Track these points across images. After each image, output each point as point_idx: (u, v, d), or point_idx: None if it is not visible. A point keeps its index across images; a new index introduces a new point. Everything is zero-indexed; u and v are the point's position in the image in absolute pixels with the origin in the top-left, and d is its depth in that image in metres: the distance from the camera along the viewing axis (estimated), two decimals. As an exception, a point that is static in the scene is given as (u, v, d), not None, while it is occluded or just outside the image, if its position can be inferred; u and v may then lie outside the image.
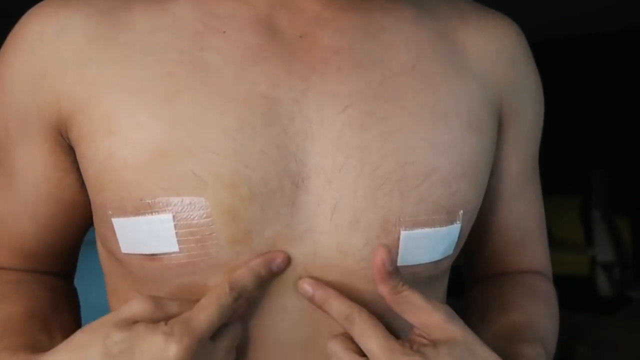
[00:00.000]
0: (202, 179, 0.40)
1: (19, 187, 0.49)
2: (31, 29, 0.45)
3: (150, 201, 0.41)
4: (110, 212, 0.43)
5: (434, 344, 0.40)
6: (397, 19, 0.48)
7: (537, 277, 0.60)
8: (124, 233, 0.42)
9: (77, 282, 0.59)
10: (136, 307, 0.39)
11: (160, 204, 0.41)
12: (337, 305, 0.42)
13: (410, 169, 0.43)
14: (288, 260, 0.42)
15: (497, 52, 0.51)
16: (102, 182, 0.43)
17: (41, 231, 0.51)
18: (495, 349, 0.43)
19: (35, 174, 0.48)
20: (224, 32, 0.44)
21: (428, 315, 0.41)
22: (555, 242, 3.95)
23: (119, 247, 0.43)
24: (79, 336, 0.39)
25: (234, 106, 0.42)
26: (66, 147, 0.47)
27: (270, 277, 0.42)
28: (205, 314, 0.38)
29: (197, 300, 0.40)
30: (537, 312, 0.55)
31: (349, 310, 0.42)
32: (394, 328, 0.45)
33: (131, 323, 0.38)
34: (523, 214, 0.58)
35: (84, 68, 0.44)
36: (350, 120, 0.43)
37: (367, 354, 0.41)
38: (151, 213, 0.41)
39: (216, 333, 0.40)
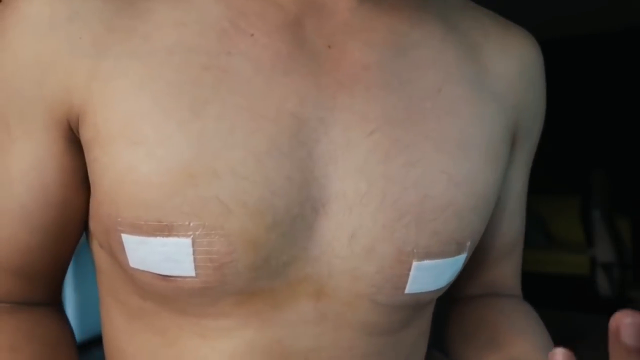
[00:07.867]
0: (227, 206, 0.38)
1: (17, 194, 0.42)
2: (39, 10, 0.39)
3: (169, 224, 0.38)
4: (120, 228, 0.39)
5: None
6: (426, 35, 0.45)
7: (525, 303, 0.58)
8: (135, 250, 0.39)
9: (77, 281, 0.56)
10: None
11: (180, 227, 0.38)
12: None
13: (428, 203, 0.42)
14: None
15: (518, 74, 0.49)
16: (117, 194, 0.39)
17: (45, 243, 0.45)
18: None
19: (44, 180, 0.42)
20: (252, 34, 0.40)
21: None
22: (555, 242, 3.95)
23: (127, 260, 0.40)
24: None
25: (263, 124, 0.39)
26: (79, 145, 0.42)
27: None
28: None
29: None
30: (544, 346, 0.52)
31: None
32: (395, 352, 0.45)
33: None
34: (518, 229, 0.58)
35: (100, 61, 0.39)
36: (376, 146, 0.41)
37: None
38: (168, 236, 0.38)
39: None
